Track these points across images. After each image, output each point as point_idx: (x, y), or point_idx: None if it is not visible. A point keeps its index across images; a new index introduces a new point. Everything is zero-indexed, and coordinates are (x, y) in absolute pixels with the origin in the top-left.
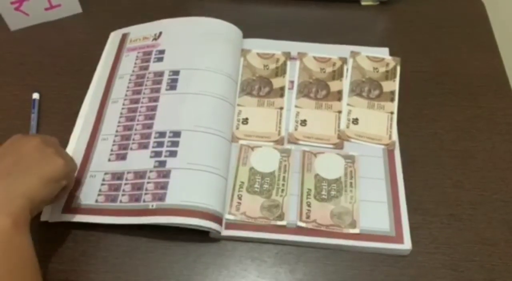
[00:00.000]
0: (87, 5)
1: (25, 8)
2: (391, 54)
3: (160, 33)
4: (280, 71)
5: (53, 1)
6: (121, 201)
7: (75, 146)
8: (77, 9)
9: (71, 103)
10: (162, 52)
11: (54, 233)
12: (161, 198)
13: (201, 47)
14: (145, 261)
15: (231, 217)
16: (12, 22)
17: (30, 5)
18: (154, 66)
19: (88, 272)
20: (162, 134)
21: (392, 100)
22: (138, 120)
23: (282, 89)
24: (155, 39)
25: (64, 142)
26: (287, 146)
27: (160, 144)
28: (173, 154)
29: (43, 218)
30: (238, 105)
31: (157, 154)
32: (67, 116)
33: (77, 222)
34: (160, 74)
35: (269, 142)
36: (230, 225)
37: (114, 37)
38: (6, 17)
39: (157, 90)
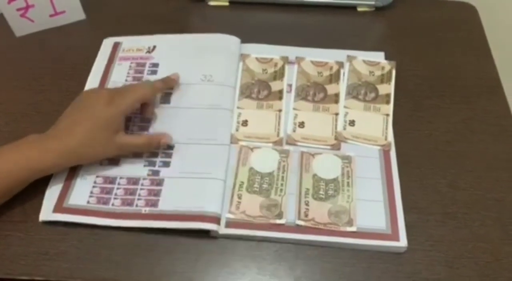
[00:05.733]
0: (90, 11)
1: (30, 15)
2: (387, 58)
3: (154, 46)
4: (279, 74)
5: (58, 8)
6: (113, 204)
7: None
8: (81, 15)
9: None
10: (156, 65)
11: (59, 232)
12: (154, 204)
13: (194, 61)
14: (148, 259)
15: (231, 216)
16: (17, 28)
17: (35, 12)
18: (148, 78)
19: (92, 270)
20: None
21: (387, 102)
22: (132, 130)
23: (280, 92)
24: (148, 52)
25: None
26: (285, 147)
27: (154, 155)
28: (166, 164)
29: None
30: (238, 107)
31: (151, 163)
32: None
33: (80, 222)
34: None
35: (268, 143)
36: (231, 224)
37: (106, 44)
38: (12, 24)
39: None
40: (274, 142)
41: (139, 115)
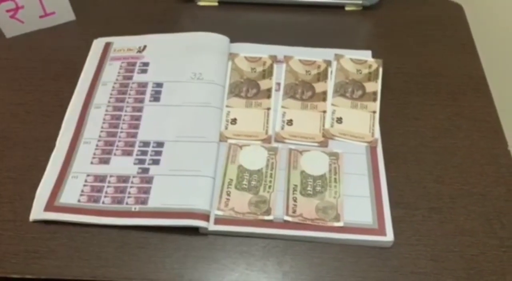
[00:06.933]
0: (80, 12)
1: (20, 16)
2: (374, 56)
3: (145, 46)
4: (267, 73)
5: (48, 9)
6: (103, 202)
7: (57, 147)
8: (71, 16)
9: (65, 107)
10: (146, 64)
11: (49, 230)
12: (144, 202)
13: (184, 60)
14: (138, 256)
15: (220, 213)
16: (7, 30)
17: (25, 13)
18: (138, 77)
19: (82, 267)
20: (146, 144)
21: (374, 100)
22: (122, 128)
23: (269, 90)
24: (139, 51)
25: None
26: (274, 144)
27: (144, 153)
28: (156, 162)
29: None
30: (227, 106)
31: (141, 161)
32: (61, 120)
33: (71, 220)
34: (144, 85)
35: (257, 141)
36: (219, 221)
37: (96, 45)
38: (2, 25)
39: (141, 101)
40: (262, 139)
41: (127, 122)
